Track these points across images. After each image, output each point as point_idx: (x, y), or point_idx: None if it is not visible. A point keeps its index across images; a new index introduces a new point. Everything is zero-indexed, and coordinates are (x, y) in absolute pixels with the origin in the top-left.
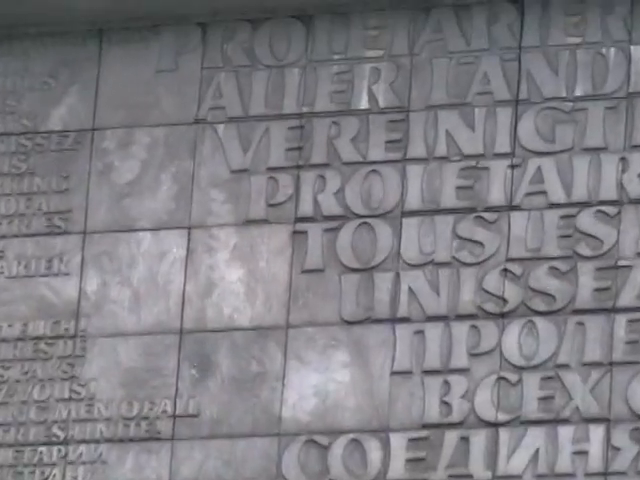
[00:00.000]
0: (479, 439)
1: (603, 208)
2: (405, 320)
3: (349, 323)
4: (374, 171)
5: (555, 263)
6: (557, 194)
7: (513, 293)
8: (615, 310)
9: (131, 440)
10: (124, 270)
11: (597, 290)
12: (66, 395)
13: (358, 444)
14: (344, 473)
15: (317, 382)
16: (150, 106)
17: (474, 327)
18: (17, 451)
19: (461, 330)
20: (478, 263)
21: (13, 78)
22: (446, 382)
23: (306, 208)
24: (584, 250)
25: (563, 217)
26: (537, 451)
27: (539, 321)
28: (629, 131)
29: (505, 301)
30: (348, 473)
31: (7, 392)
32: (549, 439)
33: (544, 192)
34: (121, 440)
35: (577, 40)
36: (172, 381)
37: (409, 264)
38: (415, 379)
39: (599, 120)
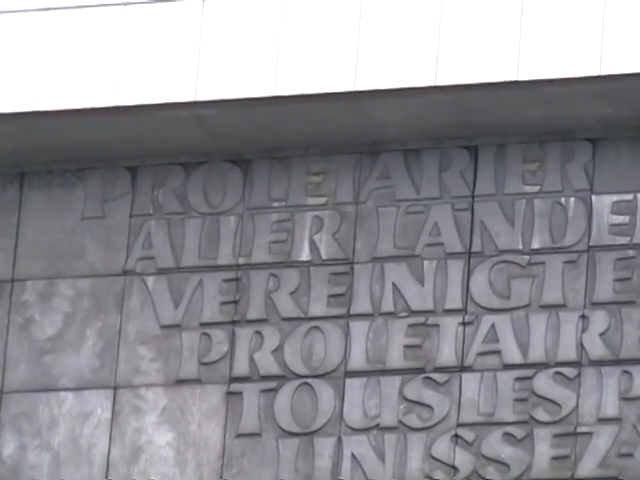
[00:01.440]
0: None
1: (562, 370)
2: None
3: None
4: (315, 327)
5: (510, 429)
6: (512, 354)
7: (464, 461)
8: None
9: None
10: (44, 432)
11: (555, 459)
12: None
13: None
14: None
15: None
16: (74, 256)
17: None
18: None
19: None
20: (427, 428)
21: None
22: None
23: (241, 367)
24: (541, 415)
25: (518, 379)
26: None
27: None
28: (590, 287)
29: (456, 470)
30: None
31: None
32: None
33: (498, 352)
34: None
35: (535, 189)
36: None
37: (352, 428)
38: None
39: (558, 275)
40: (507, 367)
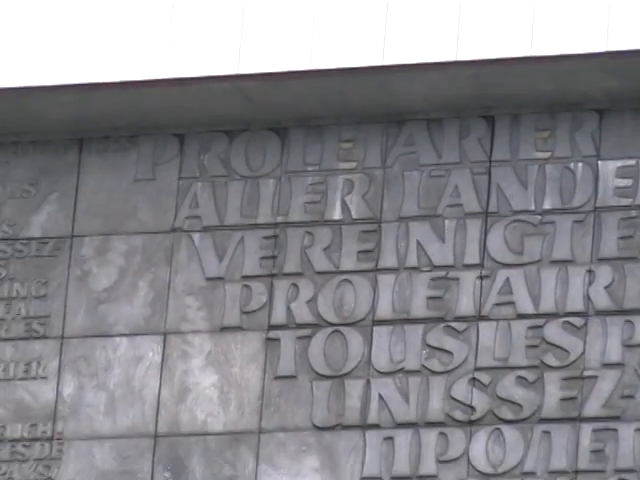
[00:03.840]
0: None
1: (570, 319)
2: (375, 427)
3: (320, 429)
4: (346, 280)
5: (522, 373)
6: (525, 305)
7: (481, 402)
8: (580, 419)
9: None
10: (100, 374)
11: (563, 400)
12: None
13: None
14: None
15: None
16: (128, 214)
17: (442, 434)
18: None
19: (430, 437)
20: (447, 372)
21: None
22: None
23: (279, 316)
24: (551, 360)
25: (531, 328)
26: None
27: (506, 429)
28: (596, 244)
29: (473, 409)
30: None
31: None
32: None
33: (512, 303)
34: None
35: (546, 155)
36: None
37: (379, 372)
38: None
39: (567, 233)
40: (520, 317)
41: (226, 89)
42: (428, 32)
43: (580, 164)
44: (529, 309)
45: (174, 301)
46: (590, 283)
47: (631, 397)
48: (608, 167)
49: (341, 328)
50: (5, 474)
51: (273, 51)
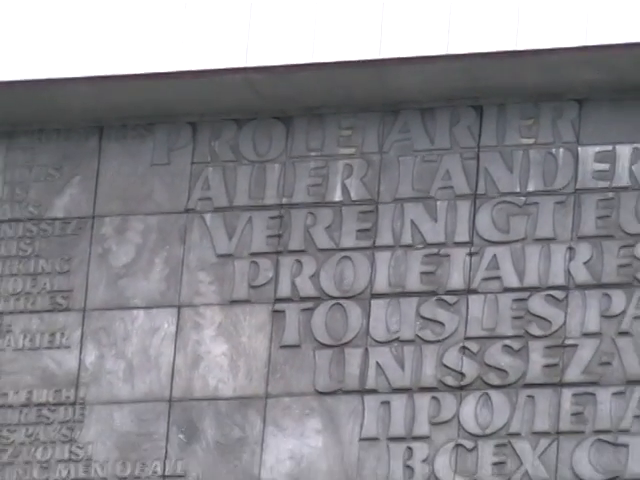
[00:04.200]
0: None
1: (552, 292)
2: (373, 392)
3: (322, 394)
4: (346, 257)
5: (508, 342)
6: (511, 279)
7: (470, 368)
8: (562, 385)
9: None
10: (119, 344)
11: (546, 366)
12: (66, 456)
13: None
14: None
15: (293, 447)
16: (144, 196)
17: (435, 399)
18: None
19: (423, 401)
20: (439, 341)
21: (21, 170)
22: (409, 448)
23: (284, 290)
24: (534, 330)
25: (516, 300)
26: None
27: (493, 394)
28: (576, 223)
29: (463, 375)
30: None
31: (12, 453)
32: None
33: (499, 278)
34: None
35: (530, 141)
36: (162, 445)
37: (377, 341)
38: (381, 445)
39: (549, 213)
40: (506, 290)
41: (235, 81)
42: (421, 28)
43: (561, 149)
44: (514, 283)
45: (187, 276)
46: (570, 259)
47: (608, 364)
48: (587, 152)
49: (341, 301)
50: (31, 435)
51: (278, 46)
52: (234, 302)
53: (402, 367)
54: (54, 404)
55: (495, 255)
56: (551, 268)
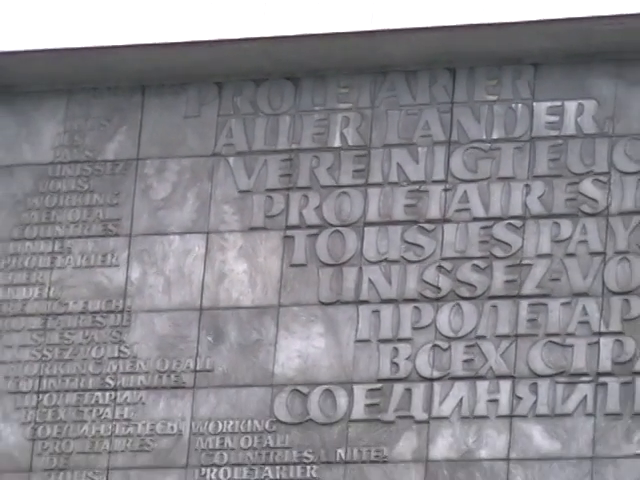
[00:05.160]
0: (419, 390)
1: (512, 222)
2: (365, 302)
3: (324, 304)
4: (344, 192)
5: (476, 262)
6: (478, 211)
7: (445, 283)
8: (519, 297)
9: (163, 388)
10: (159, 263)
11: (506, 282)
12: (115, 354)
13: (330, 393)
14: (319, 414)
15: (300, 347)
16: (179, 142)
17: (416, 308)
18: (79, 395)
19: (406, 310)
20: (419, 261)
21: (78, 120)
22: (395, 348)
23: (294, 219)
24: (498, 252)
25: (482, 228)
26: (461, 399)
27: (464, 304)
28: (532, 165)
29: (439, 289)
30: (322, 414)
31: (72, 352)
32: (470, 391)
33: (469, 209)
34: (156, 388)
35: (494, 98)
36: (194, 345)
37: (369, 261)
38: (372, 346)
39: (509, 157)
40: (475, 220)
41: (253, 48)
42: (407, 4)
43: (520, 105)
44: (481, 214)
45: (214, 208)
46: (527, 194)
47: (557, 280)
48: (541, 107)
49: (340, 228)
50: (87, 337)
51: (289, 19)
52: (252, 229)
53: (389, 282)
54: (106, 312)
55: (465, 191)
56: (511, 201)
